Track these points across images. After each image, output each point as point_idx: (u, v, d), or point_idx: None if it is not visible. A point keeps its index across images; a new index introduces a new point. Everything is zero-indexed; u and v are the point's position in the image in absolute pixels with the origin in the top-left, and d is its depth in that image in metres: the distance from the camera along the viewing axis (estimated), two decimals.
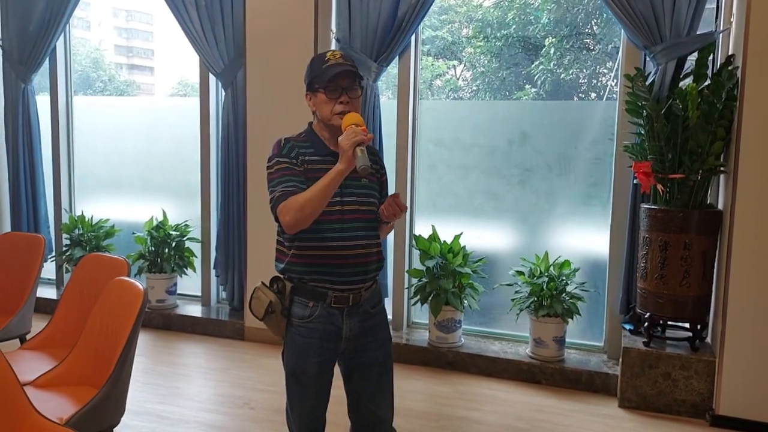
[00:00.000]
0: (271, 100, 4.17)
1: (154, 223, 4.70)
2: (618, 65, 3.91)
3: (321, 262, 1.93)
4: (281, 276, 2.00)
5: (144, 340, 4.33)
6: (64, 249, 4.92)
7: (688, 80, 3.42)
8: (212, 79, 4.62)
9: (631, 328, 3.62)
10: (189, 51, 4.56)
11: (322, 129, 1.98)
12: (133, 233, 4.75)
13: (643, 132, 3.43)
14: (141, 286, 2.43)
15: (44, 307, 4.48)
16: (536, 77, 6.10)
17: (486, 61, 6.73)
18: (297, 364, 1.99)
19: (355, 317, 1.98)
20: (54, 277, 5.25)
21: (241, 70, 4.33)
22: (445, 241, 3.93)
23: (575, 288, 3.76)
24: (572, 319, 3.73)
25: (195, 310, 4.71)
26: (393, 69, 4.17)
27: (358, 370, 2.05)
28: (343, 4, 4.03)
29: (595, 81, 6.49)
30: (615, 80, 5.97)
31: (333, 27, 4.15)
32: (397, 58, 4.06)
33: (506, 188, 4.12)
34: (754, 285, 3.08)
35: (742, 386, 3.15)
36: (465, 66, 7.04)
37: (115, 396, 2.36)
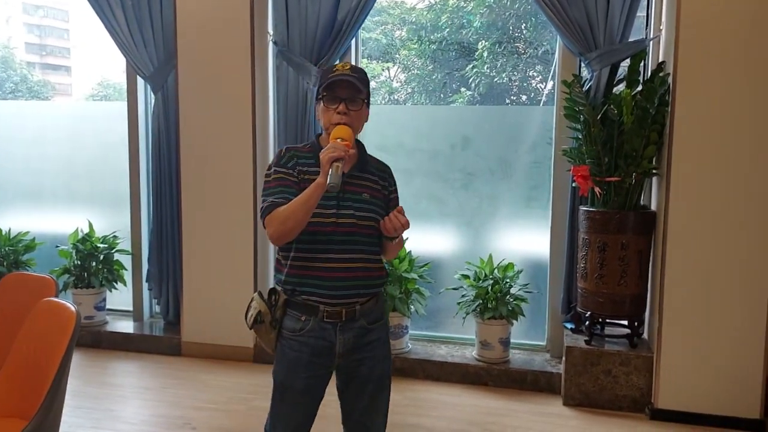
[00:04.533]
0: (206, 105, 4.01)
1: (80, 235, 4.44)
2: (553, 70, 3.99)
3: (312, 275, 1.89)
4: (277, 287, 1.96)
5: (72, 360, 4.06)
6: None
7: (621, 86, 3.53)
8: (140, 82, 4.41)
9: (573, 327, 3.70)
10: (110, 50, 4.34)
11: (326, 141, 1.93)
12: (57, 246, 4.47)
13: (580, 136, 3.51)
14: (73, 308, 2.26)
15: None
16: (470, 80, 6.18)
17: (420, 64, 6.77)
18: (285, 379, 1.95)
19: (349, 332, 1.93)
20: None
21: (173, 73, 4.15)
22: None
23: (519, 290, 3.81)
24: (516, 320, 3.77)
25: (127, 326, 4.47)
26: None
27: (352, 386, 2.01)
28: (280, 7, 3.92)
29: (525, 84, 6.65)
30: (544, 84, 6.15)
31: (270, 30, 4.03)
32: (338, 62, 3.99)
33: (450, 192, 4.13)
34: (688, 282, 3.21)
35: (678, 380, 3.27)
36: (399, 68, 7.06)
37: (46, 427, 2.19)
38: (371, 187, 1.96)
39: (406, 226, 1.88)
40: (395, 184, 2.08)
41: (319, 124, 1.96)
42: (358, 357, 1.96)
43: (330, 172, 1.74)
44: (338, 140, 1.80)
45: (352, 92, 1.88)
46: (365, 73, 1.95)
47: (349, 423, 2.07)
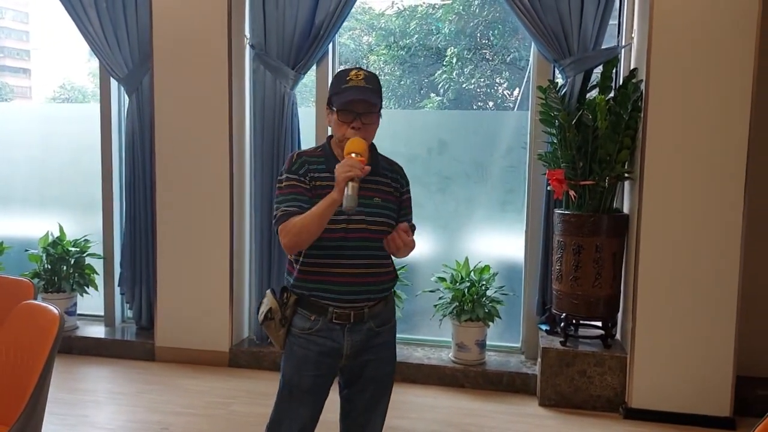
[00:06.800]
0: (182, 107, 3.97)
1: (51, 238, 4.35)
2: (528, 76, 4.08)
3: (322, 279, 1.90)
4: (288, 288, 1.98)
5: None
6: None
7: (594, 92, 3.63)
8: (113, 83, 4.34)
9: (547, 328, 3.77)
10: (74, 53, 4.26)
11: (337, 146, 1.94)
12: (26, 250, 4.37)
13: (555, 141, 3.59)
14: (56, 310, 2.21)
15: None
16: (440, 86, 6.25)
17: (389, 69, 6.81)
18: (293, 377, 1.96)
19: (358, 334, 1.94)
20: None
21: (148, 75, 4.09)
22: None
23: (495, 292, 3.86)
24: (493, 322, 3.82)
25: (98, 331, 4.38)
26: (308, 77, 4.11)
27: (355, 385, 2.03)
28: (257, 10, 3.91)
29: (492, 90, 6.74)
30: (511, 90, 6.24)
31: (247, 33, 4.02)
32: (315, 66, 4.00)
33: (427, 196, 4.18)
34: (660, 283, 3.30)
35: (651, 379, 3.35)
36: None
37: None
38: (383, 191, 1.95)
39: (410, 245, 1.89)
40: (408, 184, 2.06)
41: (330, 131, 1.98)
42: (365, 359, 1.98)
43: (346, 193, 1.71)
44: (353, 155, 1.78)
45: (367, 106, 1.87)
46: (378, 80, 1.93)
47: (347, 421, 2.09)
